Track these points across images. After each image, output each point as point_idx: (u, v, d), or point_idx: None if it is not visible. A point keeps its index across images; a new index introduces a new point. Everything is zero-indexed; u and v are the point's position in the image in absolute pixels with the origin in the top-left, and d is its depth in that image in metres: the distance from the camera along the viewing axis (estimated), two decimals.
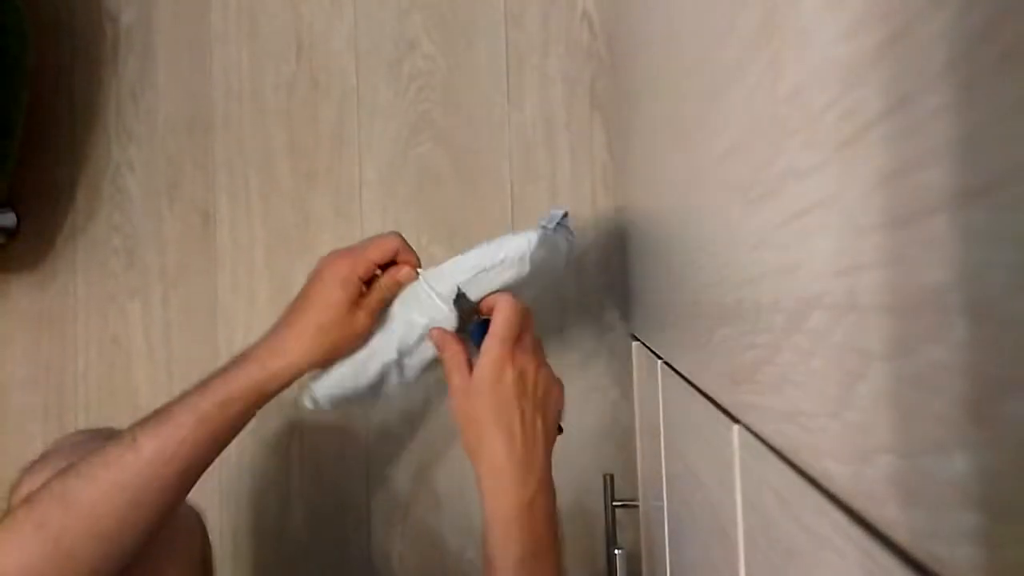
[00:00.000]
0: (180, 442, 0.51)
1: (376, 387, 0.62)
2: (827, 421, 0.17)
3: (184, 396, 0.53)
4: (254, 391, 0.54)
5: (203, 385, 0.53)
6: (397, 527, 0.91)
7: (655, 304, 0.55)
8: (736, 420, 0.27)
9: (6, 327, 1.00)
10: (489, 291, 0.60)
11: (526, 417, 0.56)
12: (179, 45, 0.99)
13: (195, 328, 0.95)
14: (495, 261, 0.59)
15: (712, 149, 0.29)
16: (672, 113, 0.40)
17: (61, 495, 0.48)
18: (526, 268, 0.59)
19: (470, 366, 0.57)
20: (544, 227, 0.62)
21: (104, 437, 0.54)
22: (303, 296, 0.57)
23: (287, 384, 0.56)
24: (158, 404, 0.54)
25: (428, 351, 0.61)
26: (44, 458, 0.57)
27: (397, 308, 0.61)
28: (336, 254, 0.57)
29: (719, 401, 0.31)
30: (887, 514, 0.15)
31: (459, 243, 0.92)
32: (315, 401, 0.62)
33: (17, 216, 1.00)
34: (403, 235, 0.60)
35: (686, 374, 0.39)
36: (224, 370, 0.54)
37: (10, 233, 1.00)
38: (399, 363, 0.61)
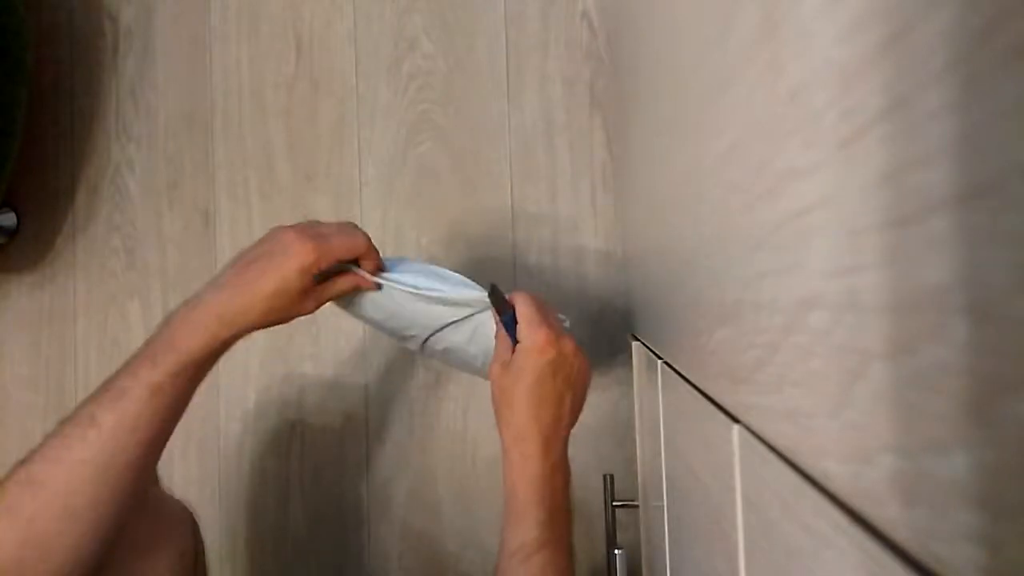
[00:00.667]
0: (137, 415, 0.51)
1: (394, 333, 0.66)
2: (827, 421, 0.17)
3: (132, 368, 0.52)
4: (205, 359, 0.54)
5: (149, 355, 0.53)
6: (397, 527, 0.91)
7: (655, 304, 0.55)
8: (736, 420, 0.27)
9: (6, 327, 1.00)
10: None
11: (557, 396, 0.59)
12: (179, 45, 0.99)
13: None
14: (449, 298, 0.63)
15: (712, 149, 0.29)
16: (672, 113, 0.40)
17: (28, 480, 0.48)
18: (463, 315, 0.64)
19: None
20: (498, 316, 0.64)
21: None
22: (257, 268, 0.56)
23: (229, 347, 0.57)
24: None
25: (448, 340, 0.65)
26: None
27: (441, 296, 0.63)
28: (302, 237, 0.56)
29: (719, 401, 0.31)
30: (887, 514, 0.15)
31: (459, 243, 0.92)
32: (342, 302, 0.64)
33: (17, 216, 1.00)
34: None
35: (686, 374, 0.39)
36: (170, 338, 0.53)
37: (10, 233, 1.00)
38: (423, 338, 0.65)
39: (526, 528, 0.56)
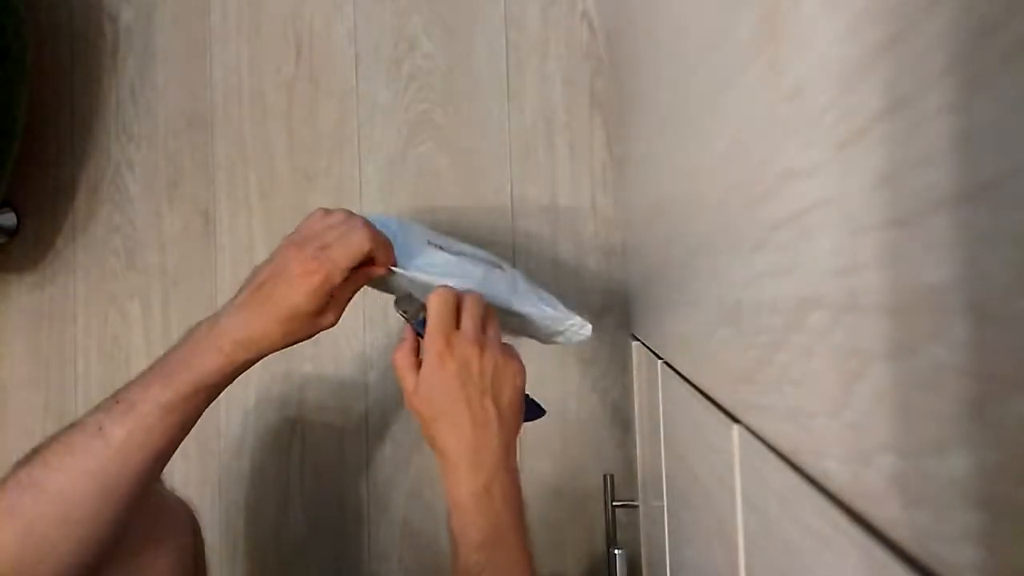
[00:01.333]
0: (148, 431, 0.50)
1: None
2: (827, 421, 0.17)
3: (145, 383, 0.51)
4: (221, 381, 0.53)
5: (165, 372, 0.52)
6: (397, 527, 0.91)
7: (655, 304, 0.55)
8: (736, 420, 0.27)
9: (6, 327, 1.00)
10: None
11: (473, 404, 0.56)
12: (179, 45, 0.99)
13: None
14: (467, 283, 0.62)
15: (712, 149, 0.29)
16: (672, 113, 0.40)
17: (29, 484, 0.48)
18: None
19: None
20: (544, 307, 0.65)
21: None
22: (265, 292, 0.54)
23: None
24: None
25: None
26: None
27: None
28: (304, 259, 0.53)
29: (719, 401, 0.31)
30: (887, 514, 0.15)
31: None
32: None
33: (17, 216, 1.00)
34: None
35: (686, 374, 0.39)
36: (187, 357, 0.52)
37: (10, 233, 1.00)
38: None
39: (464, 553, 0.54)
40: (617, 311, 0.89)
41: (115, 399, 0.51)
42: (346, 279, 0.56)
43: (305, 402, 0.93)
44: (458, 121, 0.93)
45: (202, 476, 0.94)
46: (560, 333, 0.68)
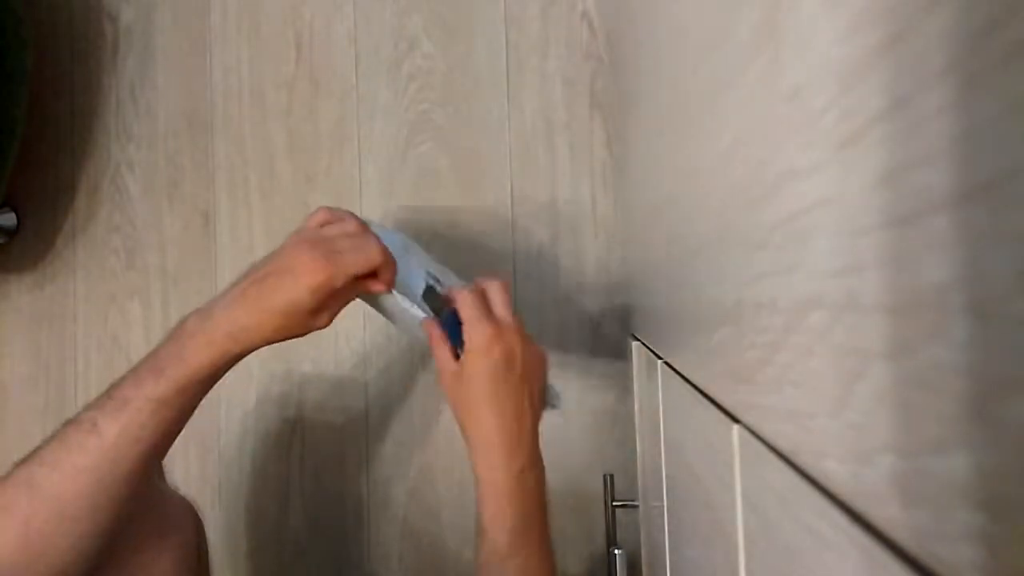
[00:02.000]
0: (141, 426, 0.50)
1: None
2: (827, 421, 0.17)
3: (138, 378, 0.51)
4: (213, 374, 0.53)
5: (157, 366, 0.52)
6: (397, 527, 0.91)
7: (655, 304, 0.55)
8: (736, 420, 0.27)
9: (6, 327, 1.00)
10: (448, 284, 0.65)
11: (515, 392, 0.58)
12: (179, 45, 0.99)
13: None
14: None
15: (712, 149, 0.29)
16: (672, 113, 0.40)
17: (26, 482, 0.48)
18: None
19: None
20: None
21: None
22: (269, 285, 0.54)
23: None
24: None
25: (410, 331, 0.64)
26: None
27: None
28: (315, 256, 0.54)
29: (719, 401, 0.31)
30: (887, 514, 0.15)
31: (459, 243, 0.92)
32: None
33: (17, 216, 1.00)
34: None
35: (686, 374, 0.39)
36: (178, 350, 0.52)
37: (10, 233, 1.00)
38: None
39: (496, 535, 0.55)
40: (617, 311, 0.89)
41: (108, 395, 0.51)
42: (345, 286, 0.57)
43: (305, 401, 0.93)
44: (458, 121, 0.93)
45: (202, 476, 0.94)
46: None
